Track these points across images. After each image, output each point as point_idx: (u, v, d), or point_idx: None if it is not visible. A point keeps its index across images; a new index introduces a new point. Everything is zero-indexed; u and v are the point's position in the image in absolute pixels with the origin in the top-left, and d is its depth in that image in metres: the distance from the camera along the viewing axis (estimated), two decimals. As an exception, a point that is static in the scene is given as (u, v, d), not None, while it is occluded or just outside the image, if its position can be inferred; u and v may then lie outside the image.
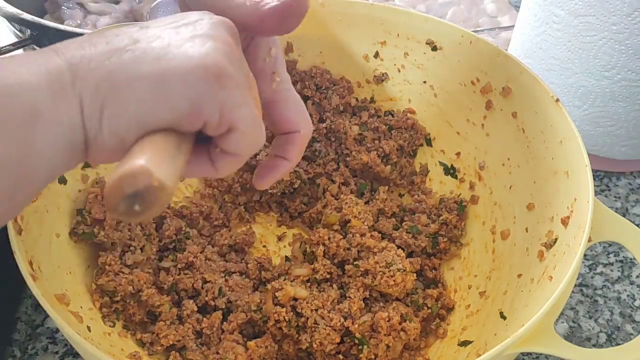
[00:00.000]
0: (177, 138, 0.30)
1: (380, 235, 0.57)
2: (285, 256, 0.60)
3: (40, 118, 0.29)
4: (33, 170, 0.29)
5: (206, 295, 0.53)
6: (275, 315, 0.50)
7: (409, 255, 0.58)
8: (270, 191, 0.61)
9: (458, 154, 0.63)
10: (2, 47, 0.68)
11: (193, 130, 0.31)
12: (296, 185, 0.61)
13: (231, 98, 0.31)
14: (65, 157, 0.30)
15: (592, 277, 0.62)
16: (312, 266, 0.54)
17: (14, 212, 0.30)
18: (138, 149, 0.29)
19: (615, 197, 0.69)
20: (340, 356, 0.50)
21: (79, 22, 0.86)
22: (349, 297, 0.51)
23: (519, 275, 0.52)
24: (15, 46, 0.69)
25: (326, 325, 0.49)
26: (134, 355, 0.48)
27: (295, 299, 0.51)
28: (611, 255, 0.63)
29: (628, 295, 0.60)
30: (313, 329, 0.49)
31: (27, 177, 0.29)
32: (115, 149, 0.30)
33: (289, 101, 0.41)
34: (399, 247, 0.56)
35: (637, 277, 0.62)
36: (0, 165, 0.28)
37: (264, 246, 0.62)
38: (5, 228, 0.44)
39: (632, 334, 0.57)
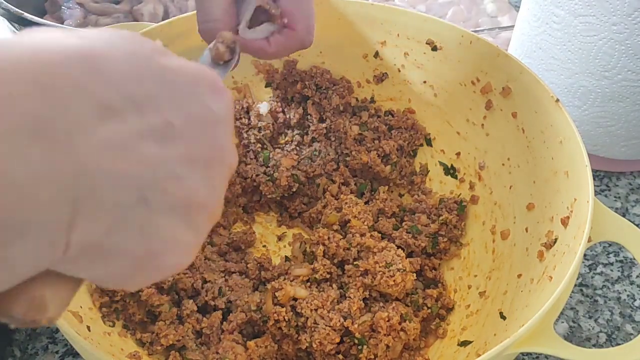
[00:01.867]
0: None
1: (380, 235, 0.57)
2: (285, 256, 0.60)
3: (14, 247, 0.22)
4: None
5: (206, 295, 0.53)
6: (275, 315, 0.50)
7: (409, 255, 0.58)
8: (269, 195, 0.62)
9: (458, 154, 0.63)
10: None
11: None
12: (295, 189, 0.61)
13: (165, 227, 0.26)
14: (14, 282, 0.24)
15: (592, 277, 0.62)
16: (312, 266, 0.54)
17: None
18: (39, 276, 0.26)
19: (615, 197, 0.69)
20: (340, 356, 0.50)
21: (78, 22, 0.86)
22: (349, 297, 0.51)
23: (519, 276, 0.52)
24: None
25: (326, 325, 0.49)
26: (134, 355, 0.48)
27: (295, 299, 0.51)
28: (611, 255, 0.63)
29: (628, 295, 0.60)
30: (313, 329, 0.49)
31: None
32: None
33: None
34: (398, 247, 0.56)
35: (637, 277, 0.62)
36: None
37: (264, 246, 0.62)
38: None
39: (632, 334, 0.57)
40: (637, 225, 0.49)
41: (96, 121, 0.23)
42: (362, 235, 0.55)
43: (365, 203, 0.61)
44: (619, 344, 0.50)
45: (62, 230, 0.23)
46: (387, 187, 0.63)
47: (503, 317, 0.50)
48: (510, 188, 0.57)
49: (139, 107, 0.24)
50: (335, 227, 0.57)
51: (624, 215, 0.66)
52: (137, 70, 0.25)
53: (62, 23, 0.84)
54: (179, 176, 0.25)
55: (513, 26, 0.76)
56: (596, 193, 0.68)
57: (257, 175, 0.62)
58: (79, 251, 0.23)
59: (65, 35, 0.24)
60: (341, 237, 0.55)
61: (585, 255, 0.61)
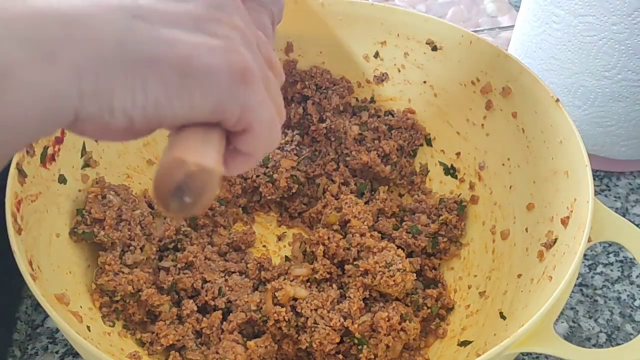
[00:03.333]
0: (207, 129, 0.29)
1: (380, 235, 0.57)
2: (285, 256, 0.60)
3: (13, 78, 0.24)
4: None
5: (206, 295, 0.53)
6: (275, 315, 0.50)
7: (409, 255, 0.58)
8: (269, 197, 0.62)
9: (458, 154, 0.63)
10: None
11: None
12: (294, 190, 0.61)
13: (252, 98, 0.29)
14: (37, 128, 0.25)
15: (592, 277, 0.62)
16: (312, 266, 0.54)
17: None
18: (169, 147, 0.28)
19: (615, 197, 0.69)
20: (340, 356, 0.50)
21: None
22: (349, 297, 0.51)
23: (519, 276, 0.52)
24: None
25: (326, 325, 0.49)
26: (134, 355, 0.48)
27: (295, 299, 0.51)
28: (611, 255, 0.63)
29: (628, 295, 0.60)
30: (313, 329, 0.49)
31: None
32: (120, 129, 0.27)
33: None
34: (398, 247, 0.56)
35: (637, 277, 0.62)
36: None
37: (264, 246, 0.62)
38: (5, 228, 0.44)
39: (632, 334, 0.57)
40: (637, 225, 0.49)
41: None
42: (362, 235, 0.55)
43: (365, 203, 0.61)
44: (619, 344, 0.50)
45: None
46: (387, 187, 0.63)
47: (503, 317, 0.50)
48: (510, 188, 0.57)
49: None
50: (335, 227, 0.57)
51: (624, 215, 0.66)
52: None
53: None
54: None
55: (513, 26, 0.76)
56: (596, 193, 0.68)
57: (257, 177, 0.62)
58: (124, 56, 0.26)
59: None
60: (341, 237, 0.55)
61: (585, 255, 0.61)
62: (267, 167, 0.62)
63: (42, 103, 0.24)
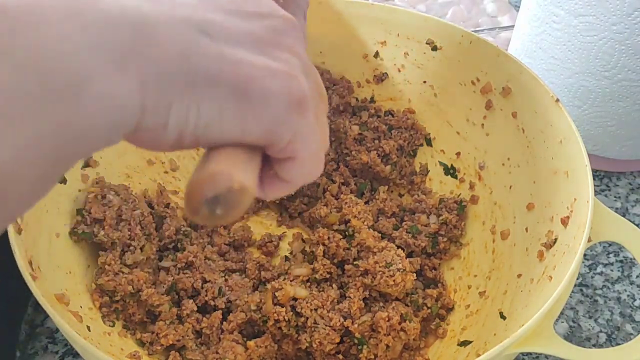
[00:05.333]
0: (250, 150, 0.29)
1: (380, 235, 0.57)
2: (285, 256, 0.60)
3: (87, 89, 0.23)
4: (69, 154, 0.24)
5: (206, 295, 0.53)
6: (275, 315, 0.50)
7: (409, 255, 0.58)
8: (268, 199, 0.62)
9: (458, 154, 0.63)
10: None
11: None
12: (293, 192, 0.61)
13: (304, 127, 0.29)
14: (103, 139, 0.25)
15: (592, 277, 0.62)
16: (312, 266, 0.54)
17: (42, 194, 0.26)
18: (214, 156, 0.28)
19: (615, 197, 0.69)
20: (340, 356, 0.50)
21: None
22: (349, 297, 0.51)
23: (519, 275, 0.52)
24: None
25: (326, 325, 0.49)
26: (134, 355, 0.48)
27: (295, 299, 0.51)
28: (611, 255, 0.63)
29: (628, 295, 0.60)
30: (313, 329, 0.49)
31: (63, 158, 0.24)
32: (173, 143, 0.27)
33: None
34: (398, 247, 0.56)
35: (637, 277, 0.62)
36: (32, 150, 0.22)
37: (264, 246, 0.62)
38: (5, 229, 0.44)
39: (632, 334, 0.57)
40: (637, 225, 0.49)
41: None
42: (362, 234, 0.55)
43: (365, 203, 0.61)
44: (619, 344, 0.50)
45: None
46: (387, 187, 0.63)
47: (503, 317, 0.50)
48: (510, 188, 0.57)
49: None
50: (335, 227, 0.57)
51: (624, 215, 0.66)
52: None
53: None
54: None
55: (513, 26, 0.76)
56: (596, 193, 0.68)
57: None
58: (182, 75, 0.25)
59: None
60: (341, 237, 0.55)
61: (585, 255, 0.61)
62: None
63: (111, 115, 0.24)
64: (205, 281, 0.54)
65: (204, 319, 0.52)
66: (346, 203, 0.58)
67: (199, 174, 0.27)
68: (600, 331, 0.57)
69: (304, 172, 0.30)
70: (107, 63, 0.23)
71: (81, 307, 0.48)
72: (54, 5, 0.23)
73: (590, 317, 0.58)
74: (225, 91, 0.26)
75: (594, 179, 0.48)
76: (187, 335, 0.51)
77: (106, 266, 0.50)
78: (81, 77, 0.23)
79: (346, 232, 0.56)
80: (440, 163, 0.64)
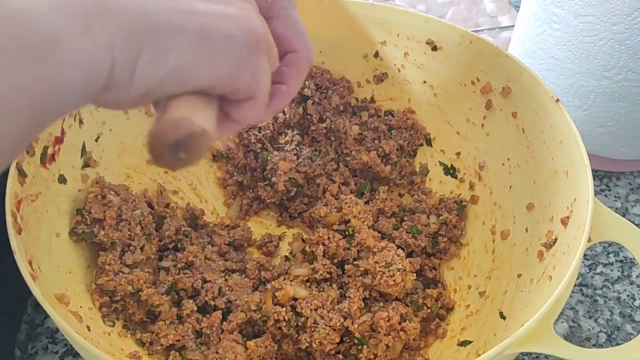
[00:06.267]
0: (206, 97, 0.31)
1: (380, 235, 0.57)
2: (285, 256, 0.60)
3: (59, 47, 0.25)
4: (46, 107, 0.26)
5: (206, 295, 0.53)
6: (275, 315, 0.50)
7: (409, 255, 0.58)
8: (268, 200, 0.62)
9: (458, 154, 0.63)
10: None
11: (221, 94, 0.31)
12: (293, 193, 0.61)
13: (262, 67, 0.31)
14: (78, 96, 0.27)
15: (592, 277, 0.62)
16: (312, 266, 0.54)
17: (19, 152, 0.28)
18: (173, 105, 0.29)
19: (615, 197, 0.69)
20: (340, 356, 0.50)
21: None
22: (349, 297, 0.51)
23: (519, 275, 0.52)
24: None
25: (326, 325, 0.49)
26: (134, 355, 0.48)
27: (295, 299, 0.51)
28: (611, 255, 0.63)
29: (628, 295, 0.60)
30: (313, 329, 0.49)
31: (40, 113, 0.26)
32: (136, 99, 0.29)
33: (287, 18, 0.39)
34: (398, 247, 0.56)
35: (637, 277, 0.62)
36: (14, 100, 0.25)
37: (264, 246, 0.62)
38: (5, 229, 0.44)
39: (632, 334, 0.57)
40: (637, 225, 0.49)
41: None
42: (362, 234, 0.55)
43: (365, 203, 0.61)
44: (619, 344, 0.50)
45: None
46: (387, 187, 0.63)
47: (503, 317, 0.50)
48: (510, 188, 0.57)
49: None
50: (335, 227, 0.57)
51: (624, 215, 0.66)
52: None
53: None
54: None
55: (513, 26, 0.76)
56: (596, 193, 0.68)
57: (253, 174, 0.62)
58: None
59: None
60: (341, 237, 0.55)
61: (585, 255, 0.61)
62: (265, 170, 0.62)
63: (82, 70, 0.26)
64: (205, 281, 0.54)
65: (204, 319, 0.52)
66: (346, 203, 0.58)
67: (161, 120, 0.29)
68: (600, 331, 0.57)
69: (255, 112, 0.32)
70: (75, 24, 0.26)
71: (81, 307, 0.48)
72: None
73: (590, 317, 0.58)
74: (190, 37, 0.28)
75: (594, 179, 0.48)
76: (187, 335, 0.51)
77: (106, 266, 0.50)
78: (52, 37, 0.25)
79: (346, 232, 0.56)
80: (440, 163, 0.64)
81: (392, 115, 0.65)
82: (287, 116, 0.65)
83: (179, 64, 0.28)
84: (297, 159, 0.63)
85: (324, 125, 0.64)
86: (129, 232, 0.52)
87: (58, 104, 0.27)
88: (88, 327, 0.46)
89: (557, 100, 0.53)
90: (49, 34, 0.25)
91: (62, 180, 0.52)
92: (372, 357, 0.50)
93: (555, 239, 0.49)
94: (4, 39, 0.24)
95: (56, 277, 0.47)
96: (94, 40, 0.26)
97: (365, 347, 0.49)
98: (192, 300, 0.53)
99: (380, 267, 0.52)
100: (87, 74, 0.27)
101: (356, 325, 0.49)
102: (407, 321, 0.51)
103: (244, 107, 0.32)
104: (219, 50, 0.29)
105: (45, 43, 0.25)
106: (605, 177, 0.71)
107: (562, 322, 0.58)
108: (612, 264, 0.63)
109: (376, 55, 0.64)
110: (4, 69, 0.24)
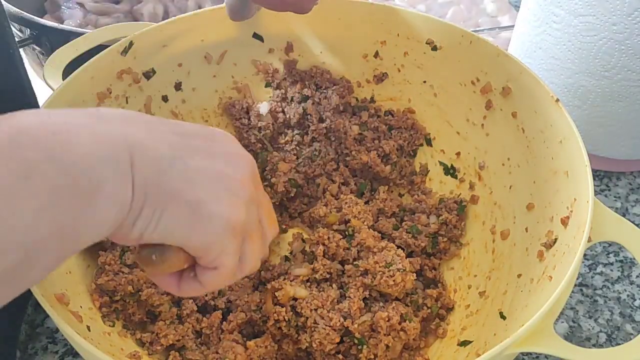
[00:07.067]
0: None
1: (380, 235, 0.57)
2: (285, 256, 0.60)
3: (101, 192, 0.30)
4: (80, 242, 0.31)
5: (206, 295, 0.53)
6: (275, 315, 0.50)
7: (409, 255, 0.58)
8: None
9: (458, 154, 0.63)
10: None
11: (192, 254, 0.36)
12: (292, 194, 0.61)
13: (231, 248, 0.35)
14: (106, 227, 0.31)
15: (592, 277, 0.62)
16: (312, 266, 0.54)
17: (42, 277, 0.31)
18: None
19: (615, 197, 0.69)
20: (340, 356, 0.50)
21: (78, 21, 0.86)
22: (349, 296, 0.51)
23: (519, 275, 0.52)
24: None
25: (326, 325, 0.49)
26: (134, 355, 0.48)
27: (295, 299, 0.51)
28: (611, 255, 0.63)
29: (628, 295, 0.60)
30: (313, 329, 0.49)
31: (72, 247, 0.31)
32: (133, 239, 0.33)
33: None
34: (398, 247, 0.56)
35: (637, 277, 0.62)
36: (52, 236, 0.29)
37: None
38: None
39: (632, 334, 0.57)
40: (637, 225, 0.49)
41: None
42: (362, 234, 0.55)
43: (365, 203, 0.61)
44: (619, 344, 0.50)
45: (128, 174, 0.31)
46: (387, 187, 0.63)
47: (503, 317, 0.50)
48: (510, 188, 0.57)
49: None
50: (335, 227, 0.57)
51: (624, 215, 0.66)
52: None
53: (62, 23, 0.84)
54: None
55: (513, 26, 0.76)
56: (596, 193, 0.68)
57: None
58: (142, 197, 0.31)
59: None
60: (341, 237, 0.55)
61: (585, 255, 0.61)
62: (265, 170, 0.62)
63: (114, 209, 0.31)
64: (205, 281, 0.54)
65: (204, 319, 0.52)
66: (346, 203, 0.58)
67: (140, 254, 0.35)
68: (600, 331, 0.57)
69: (219, 281, 0.37)
70: (117, 173, 0.30)
71: (81, 307, 0.48)
72: (79, 132, 0.30)
73: (590, 317, 0.58)
74: (182, 208, 0.33)
75: (594, 179, 0.48)
76: (187, 335, 0.51)
77: (106, 266, 0.50)
78: (98, 181, 0.30)
79: (346, 232, 0.56)
80: (440, 163, 0.64)
81: (392, 115, 0.65)
82: (287, 116, 0.65)
83: (166, 225, 0.32)
84: (297, 159, 0.63)
85: (324, 125, 0.64)
86: (129, 232, 0.52)
87: (90, 233, 0.31)
88: (88, 327, 0.46)
89: (557, 100, 0.53)
90: (94, 180, 0.30)
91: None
92: (372, 357, 0.50)
93: (555, 239, 0.49)
94: (65, 181, 0.28)
95: (56, 277, 0.47)
96: (126, 184, 0.31)
97: (365, 347, 0.49)
98: (192, 300, 0.53)
99: (380, 267, 0.52)
100: (117, 212, 0.31)
101: (356, 325, 0.49)
102: (407, 321, 0.51)
103: (208, 273, 0.36)
104: (201, 225, 0.33)
105: (92, 184, 0.29)
106: (605, 177, 0.71)
107: (562, 322, 0.58)
108: (612, 264, 0.63)
109: (376, 55, 0.64)
110: (59, 204, 0.28)
